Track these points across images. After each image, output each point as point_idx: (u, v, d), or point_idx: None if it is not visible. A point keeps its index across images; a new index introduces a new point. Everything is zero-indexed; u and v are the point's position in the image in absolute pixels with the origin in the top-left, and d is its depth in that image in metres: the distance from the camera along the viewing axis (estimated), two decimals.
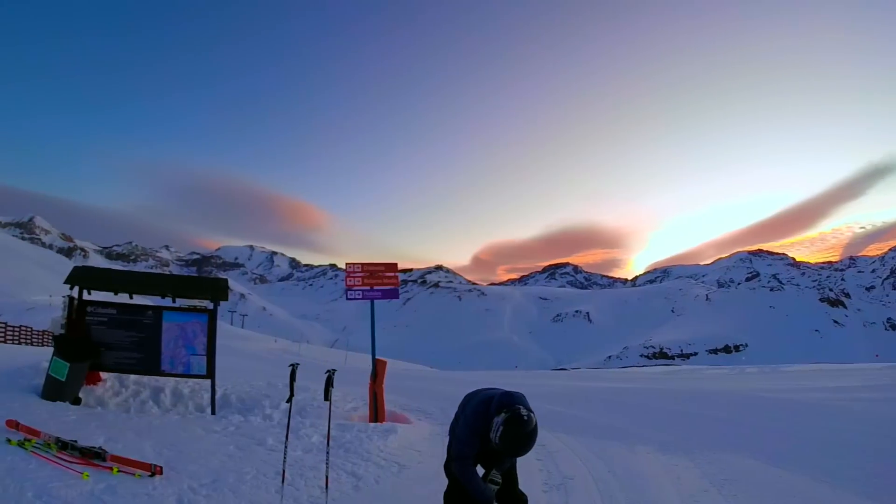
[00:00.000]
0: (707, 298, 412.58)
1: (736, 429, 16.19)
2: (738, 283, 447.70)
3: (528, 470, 9.32)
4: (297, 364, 8.80)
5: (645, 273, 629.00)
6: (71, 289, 13.26)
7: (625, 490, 9.42)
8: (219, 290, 14.76)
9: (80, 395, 12.50)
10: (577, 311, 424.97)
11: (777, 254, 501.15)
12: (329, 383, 8.42)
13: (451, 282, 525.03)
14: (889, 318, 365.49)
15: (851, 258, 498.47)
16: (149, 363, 13.68)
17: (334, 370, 8.70)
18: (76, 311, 13.28)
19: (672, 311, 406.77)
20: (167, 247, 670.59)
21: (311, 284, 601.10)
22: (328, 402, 8.79)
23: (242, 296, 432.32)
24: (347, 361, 67.49)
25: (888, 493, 9.51)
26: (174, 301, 14.62)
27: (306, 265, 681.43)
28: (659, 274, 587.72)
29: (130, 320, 13.64)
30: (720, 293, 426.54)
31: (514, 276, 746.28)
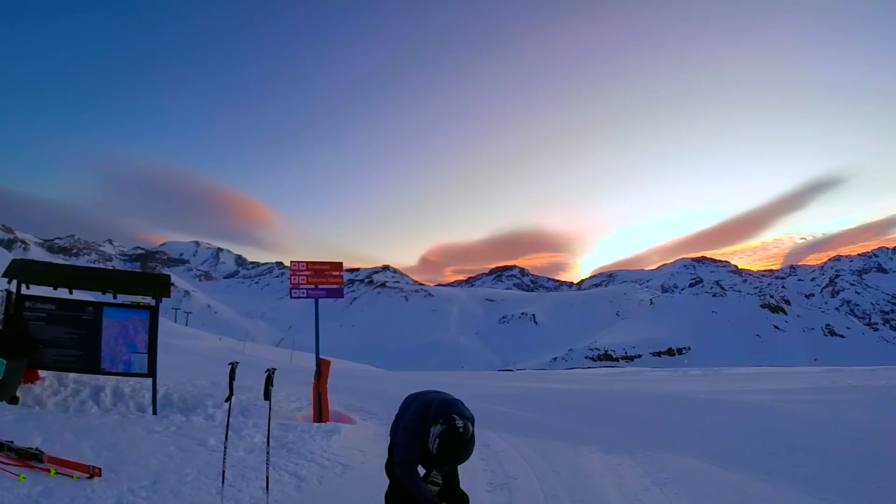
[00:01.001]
0: (651, 303, 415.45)
1: (678, 429, 16.52)
2: (682, 289, 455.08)
3: (472, 470, 9.50)
4: (237, 363, 8.66)
5: (591, 277, 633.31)
6: (9, 283, 12.98)
7: (568, 489, 9.56)
8: (161, 287, 14.54)
9: (18, 394, 12.23)
10: (523, 313, 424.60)
11: (720, 261, 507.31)
12: (269, 382, 8.37)
13: (398, 282, 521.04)
14: (827, 325, 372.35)
15: (792, 267, 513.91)
16: (89, 361, 13.40)
17: (274, 369, 8.60)
18: (14, 306, 12.98)
19: (617, 314, 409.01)
20: (111, 241, 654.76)
21: (256, 282, 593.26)
22: (268, 402, 8.74)
23: (187, 293, 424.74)
24: (293, 361, 66.93)
25: (828, 491, 9.74)
26: (115, 297, 14.36)
27: (252, 262, 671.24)
28: (604, 278, 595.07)
29: (70, 316, 13.35)
30: (664, 298, 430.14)
31: (462, 277, 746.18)
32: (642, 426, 17.26)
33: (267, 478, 8.11)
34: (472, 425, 5.64)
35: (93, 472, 7.82)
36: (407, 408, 6.37)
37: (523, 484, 9.77)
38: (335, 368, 16.81)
